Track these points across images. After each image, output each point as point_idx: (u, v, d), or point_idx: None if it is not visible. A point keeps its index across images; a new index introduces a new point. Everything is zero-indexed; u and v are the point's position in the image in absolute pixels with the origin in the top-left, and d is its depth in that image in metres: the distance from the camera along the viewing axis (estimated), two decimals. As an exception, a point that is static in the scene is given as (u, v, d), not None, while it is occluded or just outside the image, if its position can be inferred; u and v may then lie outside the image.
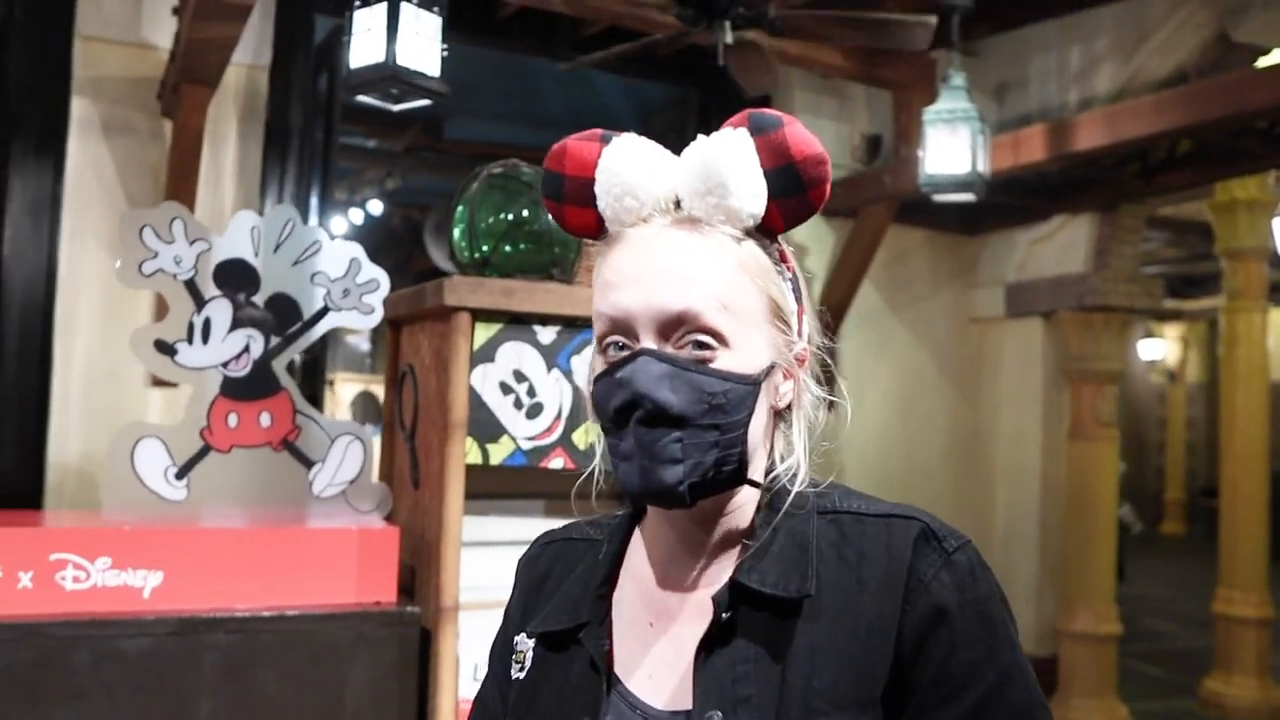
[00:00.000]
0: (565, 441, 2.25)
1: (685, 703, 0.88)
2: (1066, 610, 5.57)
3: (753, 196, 0.89)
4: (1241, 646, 6.21)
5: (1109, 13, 4.82)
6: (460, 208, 2.38)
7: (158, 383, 3.58)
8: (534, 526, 1.21)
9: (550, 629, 0.97)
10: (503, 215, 2.34)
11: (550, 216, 1.00)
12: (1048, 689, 5.49)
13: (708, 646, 0.87)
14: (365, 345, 13.78)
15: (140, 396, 3.68)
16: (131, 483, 2.21)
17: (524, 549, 1.11)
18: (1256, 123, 4.53)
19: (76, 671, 1.93)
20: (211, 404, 2.28)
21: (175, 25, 3.51)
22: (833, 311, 5.17)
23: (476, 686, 1.10)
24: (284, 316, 2.35)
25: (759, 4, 3.30)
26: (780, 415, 0.95)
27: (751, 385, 0.88)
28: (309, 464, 2.35)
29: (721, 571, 0.92)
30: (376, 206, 8.83)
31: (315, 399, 3.94)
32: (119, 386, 3.63)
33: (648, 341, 0.87)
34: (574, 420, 2.25)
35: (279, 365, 2.34)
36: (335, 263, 2.39)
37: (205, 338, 2.27)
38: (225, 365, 2.29)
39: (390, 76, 2.64)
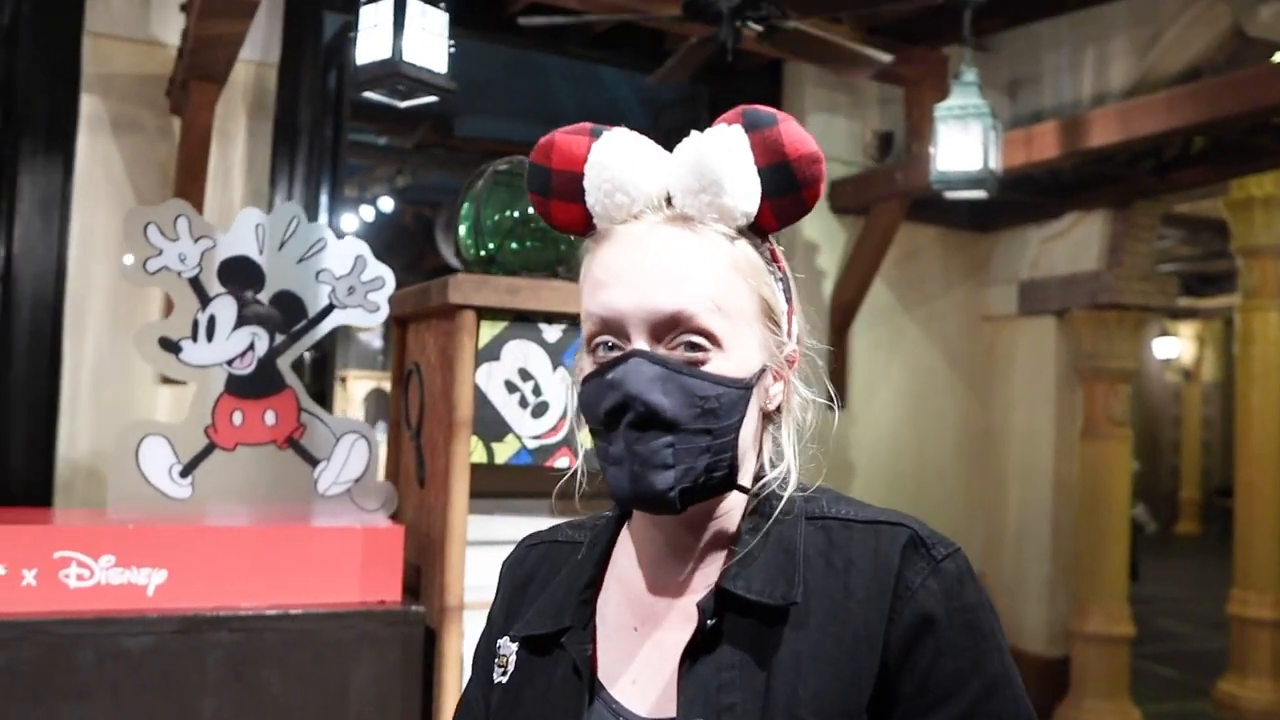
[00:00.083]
0: (571, 440, 2.24)
1: (669, 710, 0.86)
2: (1079, 611, 5.53)
3: (747, 195, 0.87)
4: (1256, 648, 6.16)
5: (1122, 8, 4.78)
6: (466, 205, 2.37)
7: (167, 380, 3.58)
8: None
9: (533, 633, 0.96)
10: (508, 212, 2.33)
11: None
12: (1059, 690, 5.49)
13: (692, 654, 0.86)
14: (378, 342, 13.79)
15: (150, 394, 3.68)
16: (136, 480, 2.21)
17: None
18: (1272, 119, 4.47)
19: (80, 670, 1.93)
20: (216, 402, 2.27)
21: (183, 22, 3.51)
22: (844, 309, 5.19)
23: (477, 686, 1.09)
24: (289, 314, 2.34)
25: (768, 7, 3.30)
26: (769, 418, 0.94)
27: (744, 389, 0.87)
28: (314, 462, 2.34)
29: (708, 577, 0.91)
30: (387, 204, 8.84)
31: (325, 396, 3.93)
32: (129, 384, 3.63)
33: (639, 342, 0.85)
34: (580, 419, 2.24)
35: (284, 363, 2.34)
36: (340, 260, 2.38)
37: (210, 335, 2.27)
38: (230, 363, 2.29)
39: (396, 73, 2.63)
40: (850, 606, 0.85)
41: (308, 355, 3.64)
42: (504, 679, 0.97)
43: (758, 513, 0.91)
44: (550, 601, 0.97)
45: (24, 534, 1.98)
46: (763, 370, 0.89)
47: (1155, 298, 5.57)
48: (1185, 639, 8.54)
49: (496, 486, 2.29)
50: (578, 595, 0.95)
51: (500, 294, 2.18)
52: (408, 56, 2.64)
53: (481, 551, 2.21)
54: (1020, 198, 5.28)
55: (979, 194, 4.07)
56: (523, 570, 1.05)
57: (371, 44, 2.68)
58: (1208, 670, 6.82)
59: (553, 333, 2.24)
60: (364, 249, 2.40)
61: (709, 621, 0.86)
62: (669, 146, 0.92)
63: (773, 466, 0.93)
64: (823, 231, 5.08)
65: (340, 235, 2.43)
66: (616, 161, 0.88)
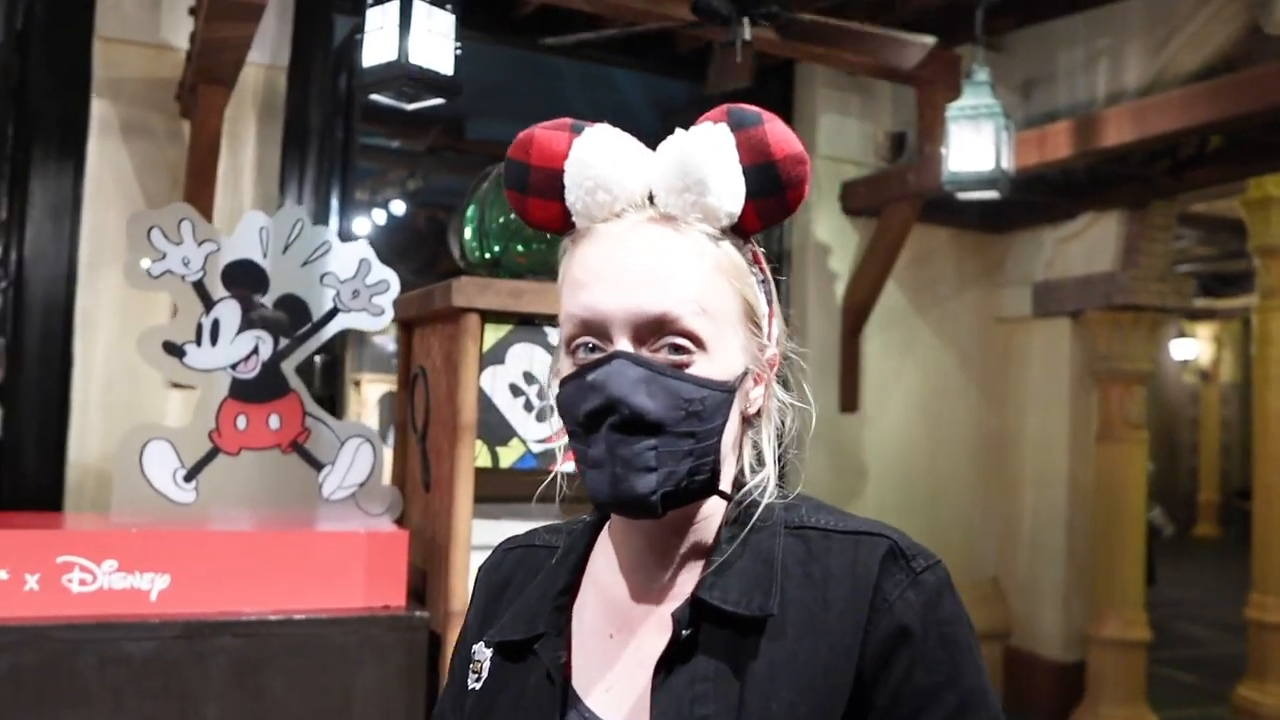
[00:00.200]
0: (576, 444, 2.22)
1: (643, 719, 0.85)
2: (1095, 615, 5.48)
3: (732, 195, 0.85)
4: (1276, 653, 6.07)
5: (1137, 6, 4.73)
6: (471, 207, 2.36)
7: (178, 384, 3.58)
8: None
9: (507, 638, 0.94)
10: (513, 215, 2.31)
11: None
12: (1075, 696, 5.44)
13: (667, 664, 0.84)
14: (392, 346, 13.81)
15: (160, 398, 3.69)
16: (140, 485, 2.20)
17: None
18: (1289, 117, 4.42)
19: (82, 675, 1.93)
20: (220, 406, 2.27)
21: (192, 25, 3.52)
22: (856, 311, 5.16)
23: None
24: (293, 318, 2.34)
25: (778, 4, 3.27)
26: (749, 422, 0.92)
27: (727, 392, 0.85)
28: (318, 466, 2.33)
29: (686, 584, 0.89)
30: (400, 207, 8.85)
31: (335, 400, 3.93)
32: (139, 388, 3.64)
33: (622, 344, 0.84)
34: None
35: (288, 367, 2.33)
36: (345, 264, 2.37)
37: (214, 339, 2.26)
38: (234, 367, 2.28)
39: (402, 75, 2.62)
40: (827, 619, 0.83)
41: (318, 359, 3.64)
42: (478, 685, 0.95)
43: (736, 520, 0.89)
44: (525, 607, 0.95)
45: (27, 539, 1.98)
46: (745, 373, 0.88)
47: (1171, 298, 5.51)
48: (1203, 644, 8.45)
49: (501, 490, 2.28)
50: (552, 601, 0.94)
51: (504, 297, 2.17)
52: (414, 59, 2.64)
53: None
54: (1034, 198, 5.23)
55: (991, 195, 4.03)
56: (499, 575, 1.03)
57: (378, 46, 2.68)
58: (1227, 675, 6.74)
59: (557, 336, 2.22)
60: (368, 252, 2.39)
61: (684, 632, 0.84)
62: None
63: (753, 472, 0.92)
64: (834, 233, 5.05)
65: (349, 239, 2.42)
66: (599, 158, 0.86)
